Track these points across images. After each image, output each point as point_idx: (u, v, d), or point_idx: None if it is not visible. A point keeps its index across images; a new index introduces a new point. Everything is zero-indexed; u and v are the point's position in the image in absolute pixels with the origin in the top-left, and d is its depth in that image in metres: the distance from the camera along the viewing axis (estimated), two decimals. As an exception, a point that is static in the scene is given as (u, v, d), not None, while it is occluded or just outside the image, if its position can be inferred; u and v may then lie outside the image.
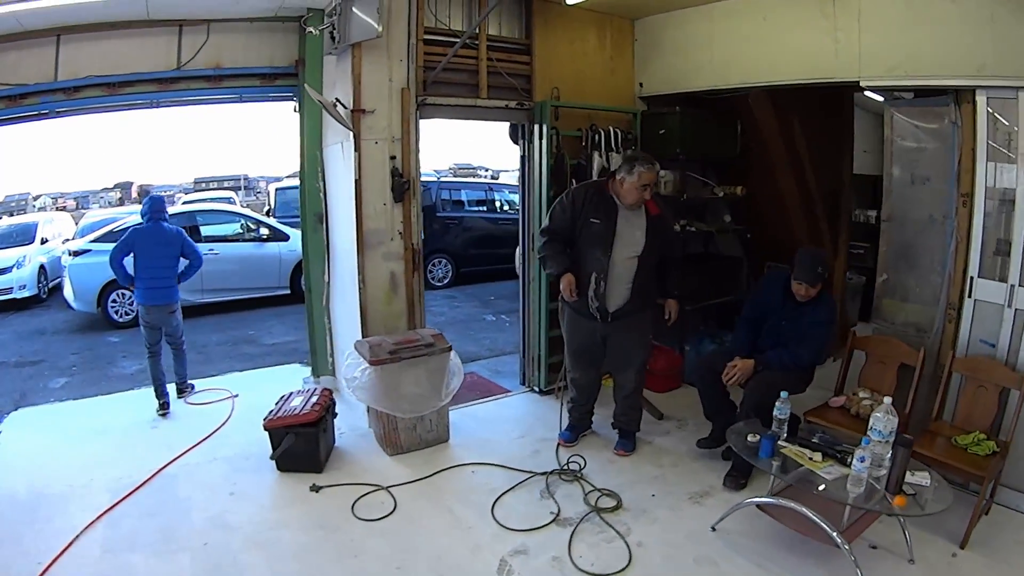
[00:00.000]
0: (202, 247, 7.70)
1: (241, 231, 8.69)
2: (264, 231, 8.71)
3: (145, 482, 3.67)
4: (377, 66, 4.00)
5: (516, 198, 10.54)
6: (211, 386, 5.22)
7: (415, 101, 4.13)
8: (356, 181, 3.94)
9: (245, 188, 26.08)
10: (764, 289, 3.71)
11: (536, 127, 4.55)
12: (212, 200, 14.34)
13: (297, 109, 4.82)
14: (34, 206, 22.59)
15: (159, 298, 4.68)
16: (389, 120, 4.05)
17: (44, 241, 10.15)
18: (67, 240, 10.28)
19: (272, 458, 3.69)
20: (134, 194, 26.49)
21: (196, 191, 20.47)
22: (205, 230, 8.39)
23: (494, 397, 4.82)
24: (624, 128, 4.83)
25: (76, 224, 11.51)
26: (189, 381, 5.11)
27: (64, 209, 19.76)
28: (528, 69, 4.62)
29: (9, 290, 8.96)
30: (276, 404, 3.86)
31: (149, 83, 4.47)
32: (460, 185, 10.86)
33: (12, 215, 16.37)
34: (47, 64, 4.28)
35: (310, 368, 5.19)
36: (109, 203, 24.61)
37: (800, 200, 5.61)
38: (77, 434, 4.43)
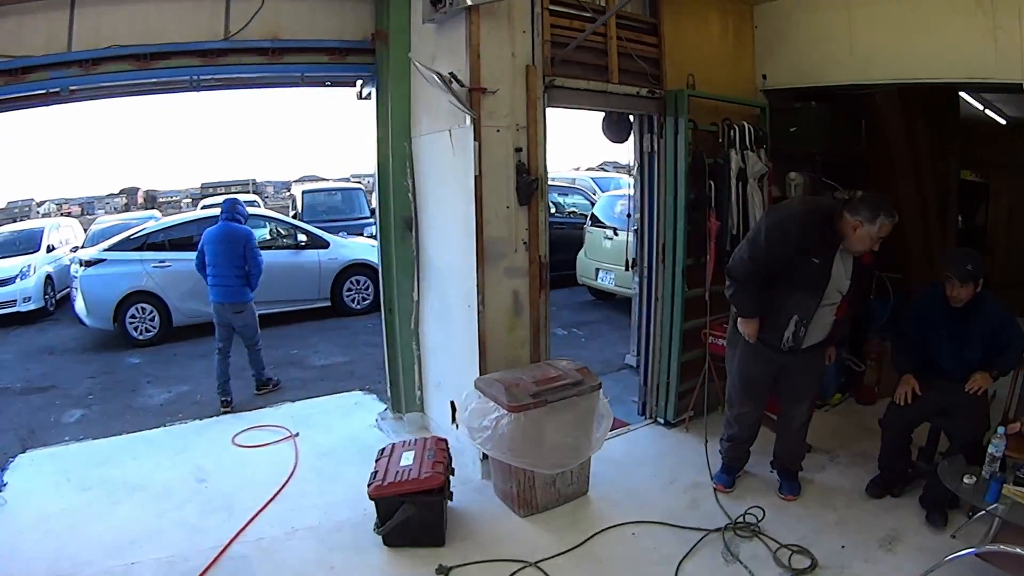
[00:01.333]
0: None
1: (274, 237, 7.42)
2: (302, 237, 7.28)
3: (208, 568, 2.61)
4: (498, 37, 3.00)
5: (564, 200, 9.56)
6: (263, 421, 4.12)
7: (542, 82, 3.14)
8: (476, 178, 2.92)
9: (254, 192, 24.40)
10: (923, 306, 3.04)
11: (671, 119, 3.59)
12: None
13: (370, 94, 3.79)
14: (38, 212, 20.81)
15: (223, 296, 4.47)
16: (512, 104, 3.05)
17: (50, 249, 8.82)
18: (76, 248, 9.00)
19: (379, 532, 2.64)
20: (140, 200, 24.74)
21: (204, 196, 18.85)
22: None
23: (616, 432, 3.79)
24: (752, 124, 3.90)
25: (85, 231, 10.16)
26: (268, 375, 4.83)
27: (69, 215, 18.09)
28: (656, 52, 3.67)
29: (12, 303, 7.64)
30: (377, 460, 2.81)
31: (190, 56, 3.39)
32: None
33: (16, 221, 14.76)
34: (59, 31, 3.20)
35: (386, 402, 4.13)
36: (115, 209, 22.84)
37: (917, 205, 4.79)
38: (104, 490, 3.34)
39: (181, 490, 3.31)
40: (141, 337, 6.37)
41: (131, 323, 6.35)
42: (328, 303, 7.17)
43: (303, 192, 10.88)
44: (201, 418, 4.30)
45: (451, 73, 2.90)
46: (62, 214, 19.37)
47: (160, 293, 6.40)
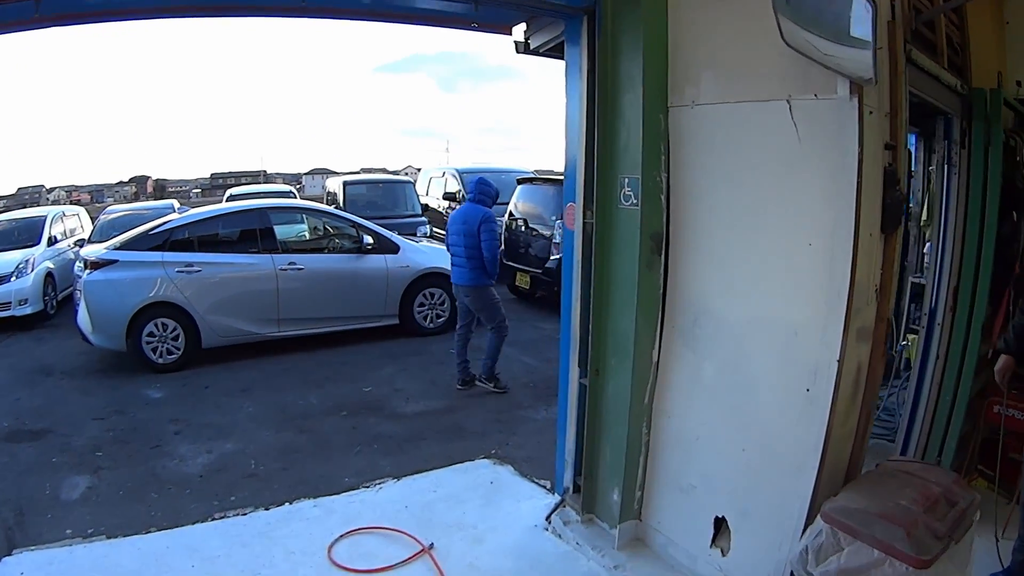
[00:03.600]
0: (279, 259, 4.82)
1: (323, 236, 5.46)
2: (368, 239, 5.17)
3: None
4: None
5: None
6: (366, 516, 2.51)
7: (904, 51, 1.74)
8: (857, 187, 1.50)
9: (264, 181, 21.69)
10: None
11: (980, 125, 2.26)
12: (268, 194, 9.79)
13: (553, 42, 2.32)
14: (48, 199, 17.92)
15: (456, 276, 3.99)
16: (879, 75, 1.63)
17: (53, 241, 6.79)
18: (82, 242, 7.00)
19: None
20: (149, 188, 22.02)
21: (214, 186, 16.50)
22: (281, 232, 5.20)
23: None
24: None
25: (92, 220, 8.01)
26: (496, 372, 3.98)
27: (79, 202, 15.40)
28: (959, 35, 2.34)
29: (7, 305, 5.67)
30: None
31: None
32: None
33: (25, 208, 12.09)
34: None
35: (545, 486, 2.64)
36: (124, 197, 20.08)
37: None
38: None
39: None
40: (161, 361, 4.54)
41: (148, 343, 4.50)
42: (396, 320, 5.23)
43: (345, 184, 8.76)
44: (267, 506, 2.66)
45: None
46: (71, 201, 16.62)
47: (186, 305, 4.57)
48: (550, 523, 2.39)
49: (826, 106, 1.56)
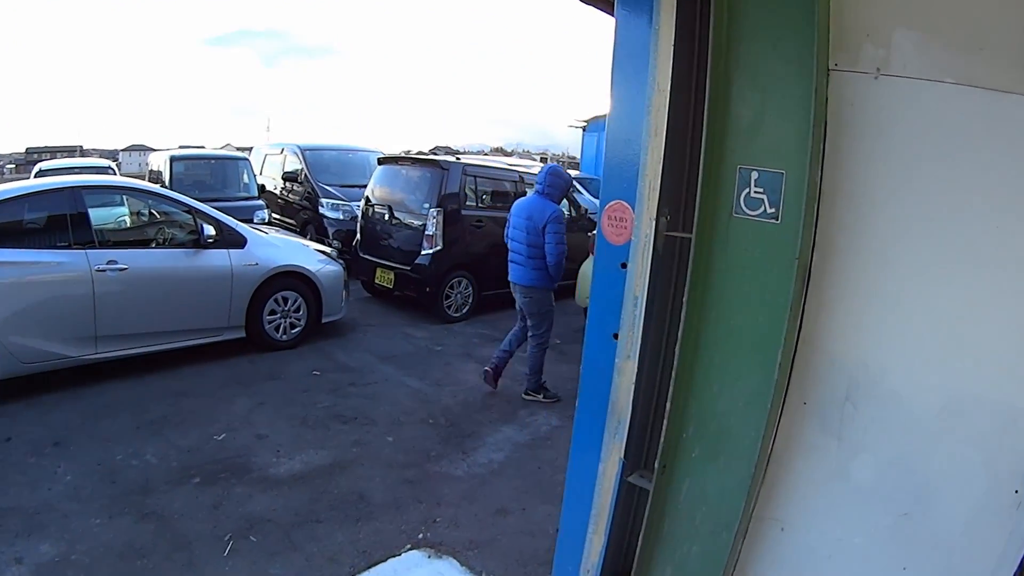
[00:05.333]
0: (96, 255, 3.27)
1: (160, 227, 3.91)
2: (209, 229, 3.78)
3: None
4: None
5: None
6: None
7: None
8: None
9: (81, 155, 18.18)
10: None
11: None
12: (83, 170, 7.78)
13: None
14: None
15: (513, 274, 3.47)
16: None
17: None
18: None
19: None
20: None
21: (29, 162, 12.90)
22: (97, 216, 3.65)
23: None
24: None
25: None
26: (543, 381, 3.49)
27: None
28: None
29: None
30: None
31: None
32: (485, 171, 5.53)
33: None
34: None
35: None
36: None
37: None
38: None
39: None
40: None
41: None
42: (242, 333, 3.94)
43: (172, 159, 6.89)
44: None
45: None
46: None
47: (-28, 319, 2.93)
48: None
49: None
